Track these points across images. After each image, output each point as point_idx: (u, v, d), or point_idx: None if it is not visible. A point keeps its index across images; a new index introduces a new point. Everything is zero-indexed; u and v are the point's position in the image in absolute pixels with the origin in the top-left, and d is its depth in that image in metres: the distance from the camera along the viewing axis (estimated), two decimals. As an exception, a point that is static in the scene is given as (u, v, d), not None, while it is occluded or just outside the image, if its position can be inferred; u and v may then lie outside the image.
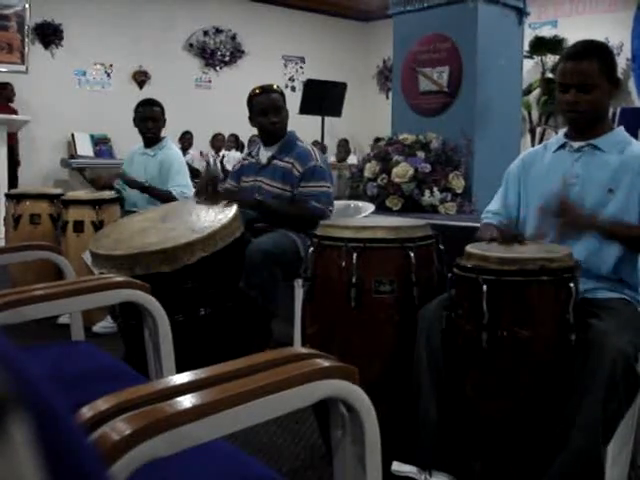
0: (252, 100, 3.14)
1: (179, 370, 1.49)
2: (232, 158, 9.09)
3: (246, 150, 8.44)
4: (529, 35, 8.37)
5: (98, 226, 3.61)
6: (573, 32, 8.34)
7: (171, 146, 4.07)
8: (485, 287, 1.68)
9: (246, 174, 3.21)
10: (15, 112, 7.66)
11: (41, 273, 3.40)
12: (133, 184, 3.85)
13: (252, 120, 3.18)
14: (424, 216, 3.71)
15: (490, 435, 1.79)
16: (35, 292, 1.64)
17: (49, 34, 8.96)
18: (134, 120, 4.00)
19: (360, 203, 3.98)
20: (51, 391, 0.46)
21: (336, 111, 7.20)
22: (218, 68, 10.63)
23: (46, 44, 8.98)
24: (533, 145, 8.78)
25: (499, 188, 2.28)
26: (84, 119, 8.83)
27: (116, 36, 9.33)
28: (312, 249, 2.09)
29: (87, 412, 0.91)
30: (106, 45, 9.31)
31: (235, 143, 9.87)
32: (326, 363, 1.09)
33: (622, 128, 2.11)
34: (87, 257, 2.88)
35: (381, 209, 4.19)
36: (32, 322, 1.69)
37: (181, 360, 1.74)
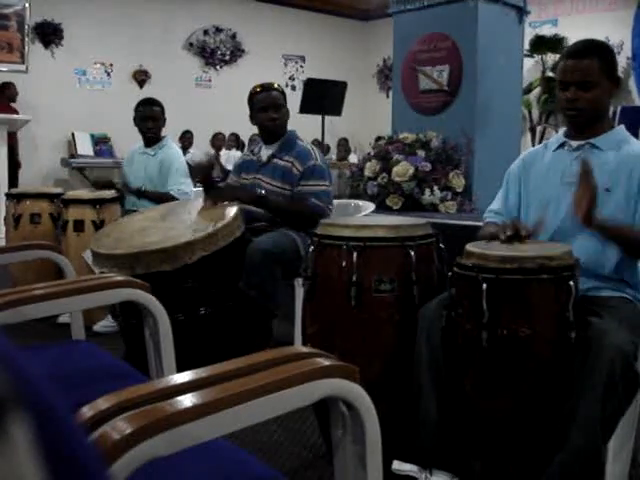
0: (252, 98, 3.15)
1: (179, 369, 1.49)
2: (232, 157, 9.10)
3: (247, 148, 8.45)
4: (529, 34, 8.37)
5: (98, 225, 3.61)
6: (573, 31, 8.34)
7: (171, 145, 4.07)
8: (485, 286, 1.68)
9: (246, 171, 3.22)
10: (16, 112, 7.66)
11: (41, 272, 3.41)
12: (128, 190, 3.85)
13: (253, 118, 3.18)
14: (424, 215, 3.71)
15: (490, 434, 1.79)
16: (35, 291, 1.65)
17: (49, 33, 8.96)
18: (134, 119, 4.00)
19: (360, 202, 3.98)
20: (51, 390, 0.46)
21: (336, 110, 7.19)
22: (218, 67, 10.63)
23: (46, 43, 8.98)
24: (533, 144, 8.78)
25: (500, 188, 2.28)
26: (84, 118, 8.83)
27: (116, 35, 9.33)
28: (312, 248, 2.09)
29: (87, 411, 0.91)
30: (106, 44, 9.31)
31: (235, 142, 9.87)
32: (326, 362, 1.09)
33: (622, 127, 2.11)
34: (88, 256, 2.89)
35: (381, 208, 4.20)
36: (32, 321, 1.69)
37: (181, 359, 1.74)
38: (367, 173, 4.51)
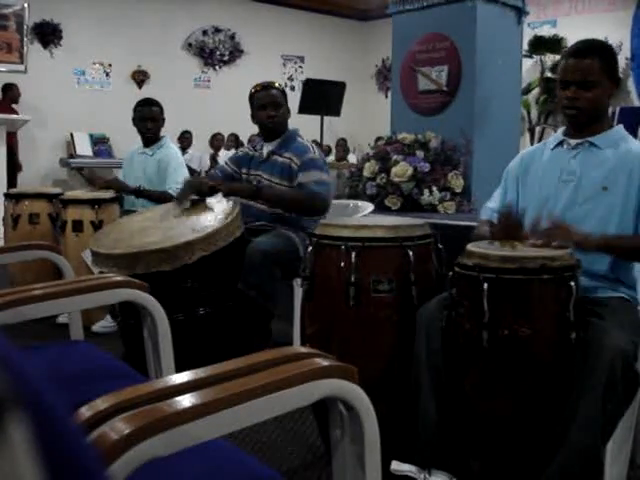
0: (253, 97, 3.15)
1: (178, 369, 1.49)
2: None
3: (247, 145, 8.43)
4: (528, 34, 8.38)
5: (97, 226, 3.61)
6: (572, 31, 8.35)
7: (169, 145, 4.07)
8: (486, 285, 1.68)
9: (246, 166, 3.21)
10: (17, 114, 7.66)
11: (40, 273, 3.40)
12: (127, 190, 3.85)
13: (253, 117, 3.18)
14: (423, 215, 3.71)
15: (490, 434, 1.79)
16: (34, 292, 1.65)
17: (48, 33, 8.96)
18: (133, 120, 3.99)
19: (359, 202, 3.98)
20: (50, 391, 0.45)
21: (335, 110, 7.19)
22: (217, 67, 10.63)
23: (45, 43, 8.98)
24: (532, 144, 8.77)
25: (498, 186, 2.28)
26: (83, 119, 8.83)
27: (115, 35, 9.32)
28: (311, 248, 2.09)
29: (86, 411, 0.91)
30: (105, 44, 9.30)
31: (235, 142, 9.87)
32: (325, 362, 1.09)
33: (621, 126, 2.11)
34: (87, 256, 2.89)
35: (380, 208, 4.19)
36: (31, 322, 1.69)
37: (180, 359, 1.74)
38: (366, 173, 4.51)
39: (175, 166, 3.89)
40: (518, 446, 1.76)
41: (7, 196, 4.18)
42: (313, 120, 6.96)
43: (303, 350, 1.19)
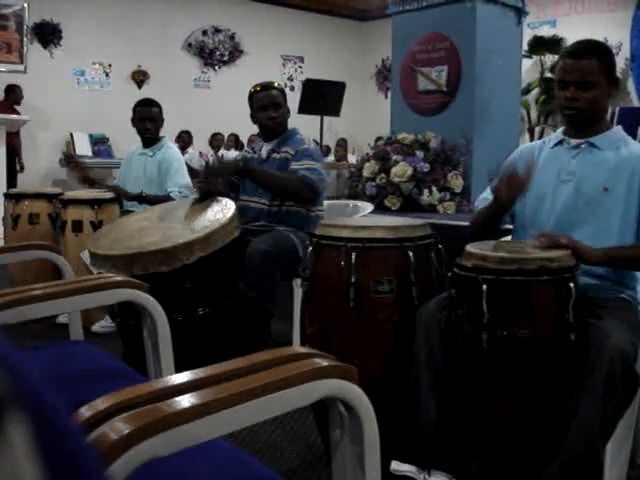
0: (252, 97, 3.15)
1: (178, 370, 1.49)
2: (232, 157, 9.10)
3: (246, 147, 8.44)
4: (528, 34, 8.38)
5: (97, 226, 3.61)
6: (572, 32, 8.35)
7: (170, 145, 4.06)
8: (485, 287, 1.68)
9: None
10: (19, 115, 7.66)
11: (40, 273, 3.40)
12: (129, 196, 3.84)
13: (253, 117, 3.19)
14: (423, 215, 3.71)
15: (489, 434, 1.79)
16: (34, 292, 1.64)
17: (48, 34, 8.96)
18: (132, 120, 3.99)
19: (359, 203, 3.98)
20: (49, 391, 0.45)
21: (335, 111, 7.19)
22: (217, 68, 10.64)
23: (45, 44, 8.98)
24: (532, 144, 8.77)
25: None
26: (83, 119, 8.83)
27: (115, 36, 9.33)
28: (311, 249, 2.09)
29: (86, 412, 0.91)
30: (105, 45, 9.30)
31: (235, 143, 9.88)
32: (325, 363, 1.09)
33: (620, 127, 2.12)
34: (86, 256, 2.88)
35: (380, 209, 4.19)
36: (31, 322, 1.69)
37: (180, 360, 1.74)
38: (366, 174, 4.51)
39: (177, 168, 3.88)
40: (518, 446, 1.76)
41: (7, 196, 4.18)
42: (313, 120, 6.96)
43: (303, 350, 1.19)
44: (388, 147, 4.56)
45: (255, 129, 3.27)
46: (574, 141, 2.07)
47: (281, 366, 1.07)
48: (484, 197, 2.24)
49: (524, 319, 1.68)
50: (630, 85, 9.04)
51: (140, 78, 9.78)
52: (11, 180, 7.06)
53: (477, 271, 1.72)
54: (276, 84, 3.21)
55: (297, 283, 2.75)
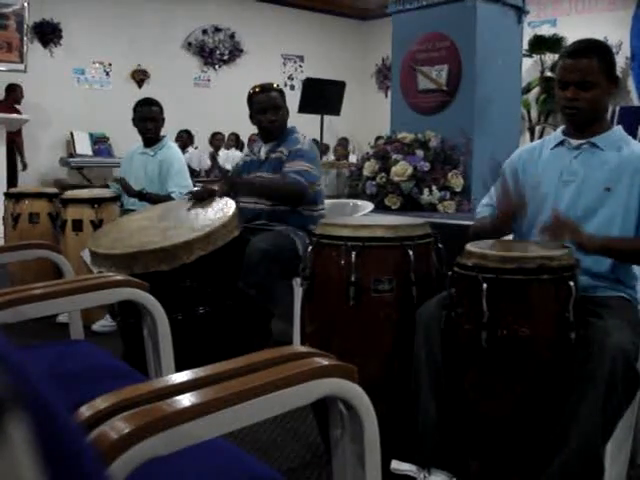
0: (252, 99, 3.15)
1: (178, 369, 1.49)
2: (231, 157, 9.10)
3: (246, 149, 8.45)
4: (528, 34, 8.37)
5: (97, 225, 3.61)
6: (572, 31, 8.35)
7: (171, 145, 4.05)
8: (485, 286, 1.68)
9: (247, 171, 3.23)
10: (19, 114, 7.65)
11: (40, 272, 3.40)
12: (131, 192, 3.84)
13: (252, 118, 3.19)
14: (423, 215, 3.71)
15: (489, 434, 1.79)
16: (34, 291, 1.64)
17: (48, 33, 8.96)
18: (133, 120, 3.98)
19: (359, 202, 3.98)
20: (50, 390, 0.45)
21: (335, 110, 7.19)
22: (217, 67, 10.63)
23: (45, 43, 8.98)
24: (532, 144, 8.77)
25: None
26: (83, 118, 8.83)
27: (115, 35, 9.32)
28: (311, 248, 2.09)
29: (86, 411, 0.91)
30: (105, 44, 9.30)
31: (235, 142, 9.87)
32: (325, 362, 1.09)
33: (620, 127, 2.11)
34: (86, 255, 2.88)
35: (380, 208, 4.19)
36: (31, 321, 1.69)
37: (180, 359, 1.74)
38: (366, 173, 4.51)
39: (178, 168, 3.88)
40: (518, 446, 1.76)
41: (7, 195, 4.18)
42: (313, 119, 6.96)
43: (303, 349, 1.19)
44: (388, 146, 4.56)
45: (255, 129, 3.27)
46: (575, 142, 2.07)
47: (281, 365, 1.07)
48: (486, 203, 2.24)
49: (524, 318, 1.68)
50: (630, 84, 9.03)
51: (140, 77, 9.78)
52: (12, 179, 7.06)
53: (477, 270, 1.72)
54: (275, 85, 3.21)
55: (297, 282, 2.75)
